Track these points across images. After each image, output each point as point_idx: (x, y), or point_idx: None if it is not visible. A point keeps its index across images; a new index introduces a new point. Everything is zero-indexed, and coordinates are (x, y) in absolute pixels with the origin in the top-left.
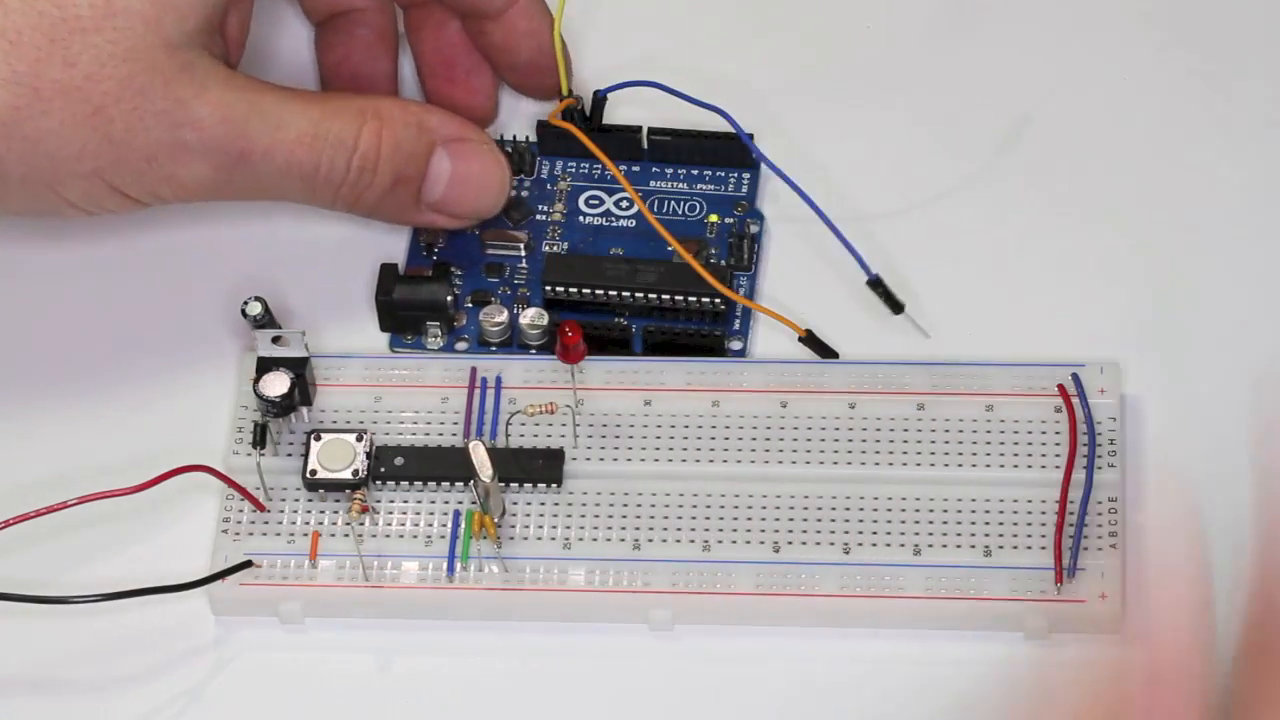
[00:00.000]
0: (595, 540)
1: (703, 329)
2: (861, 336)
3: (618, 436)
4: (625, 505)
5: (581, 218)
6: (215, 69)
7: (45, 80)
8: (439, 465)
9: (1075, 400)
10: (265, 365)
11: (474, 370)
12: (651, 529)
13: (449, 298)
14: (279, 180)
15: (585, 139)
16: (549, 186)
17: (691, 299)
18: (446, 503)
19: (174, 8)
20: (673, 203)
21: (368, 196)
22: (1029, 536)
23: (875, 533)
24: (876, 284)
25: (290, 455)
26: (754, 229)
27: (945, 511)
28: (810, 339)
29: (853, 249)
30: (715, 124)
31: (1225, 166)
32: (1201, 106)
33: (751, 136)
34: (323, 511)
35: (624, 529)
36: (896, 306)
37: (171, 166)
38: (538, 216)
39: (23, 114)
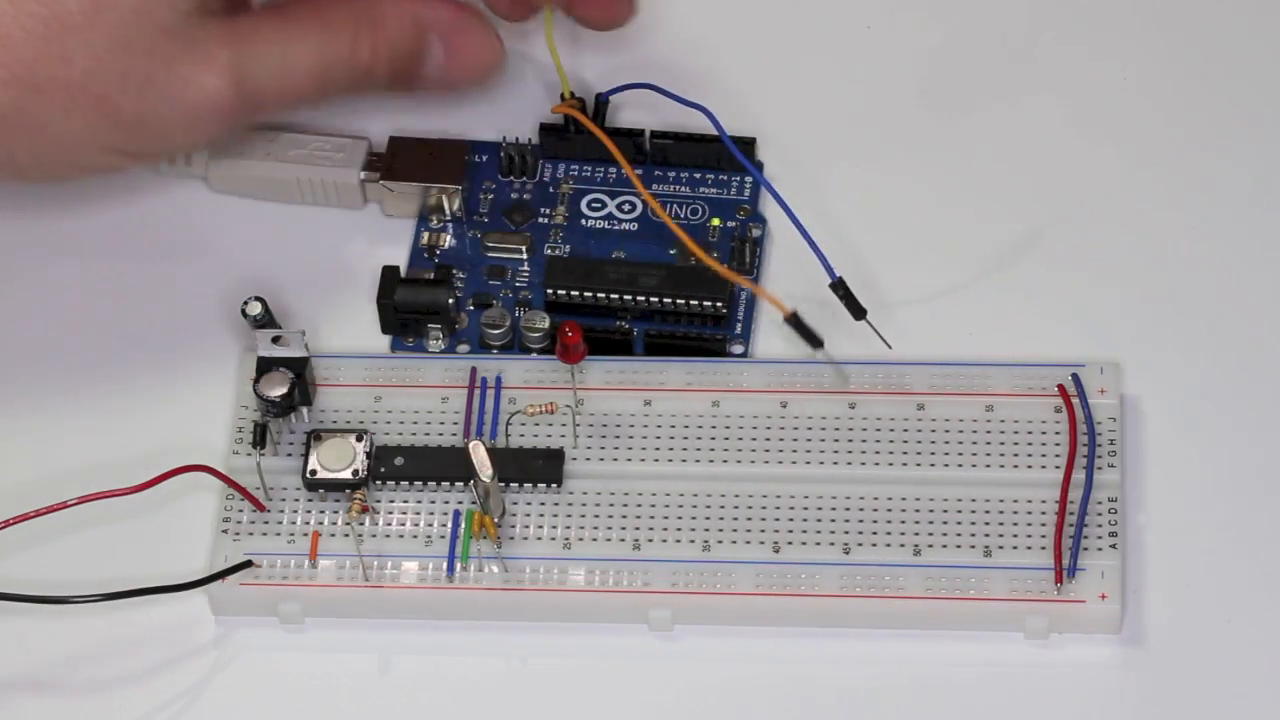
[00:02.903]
0: (595, 540)
1: (704, 332)
2: (862, 338)
3: (618, 437)
4: (625, 505)
5: (584, 221)
6: (219, 32)
7: (44, 78)
8: (439, 465)
9: (1075, 400)
10: (265, 365)
11: (474, 370)
12: (651, 529)
13: (450, 300)
14: (287, 109)
15: (591, 124)
16: (551, 189)
17: (693, 302)
18: (446, 503)
19: None
20: (675, 206)
21: (367, 90)
22: (1029, 536)
23: (875, 533)
24: (839, 286)
25: (290, 455)
26: (756, 233)
27: (945, 511)
28: (795, 320)
29: (818, 251)
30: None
31: (1226, 166)
32: (1202, 106)
33: (753, 141)
34: (323, 511)
35: (624, 529)
36: (858, 311)
37: (189, 135)
38: (539, 219)
39: (26, 110)
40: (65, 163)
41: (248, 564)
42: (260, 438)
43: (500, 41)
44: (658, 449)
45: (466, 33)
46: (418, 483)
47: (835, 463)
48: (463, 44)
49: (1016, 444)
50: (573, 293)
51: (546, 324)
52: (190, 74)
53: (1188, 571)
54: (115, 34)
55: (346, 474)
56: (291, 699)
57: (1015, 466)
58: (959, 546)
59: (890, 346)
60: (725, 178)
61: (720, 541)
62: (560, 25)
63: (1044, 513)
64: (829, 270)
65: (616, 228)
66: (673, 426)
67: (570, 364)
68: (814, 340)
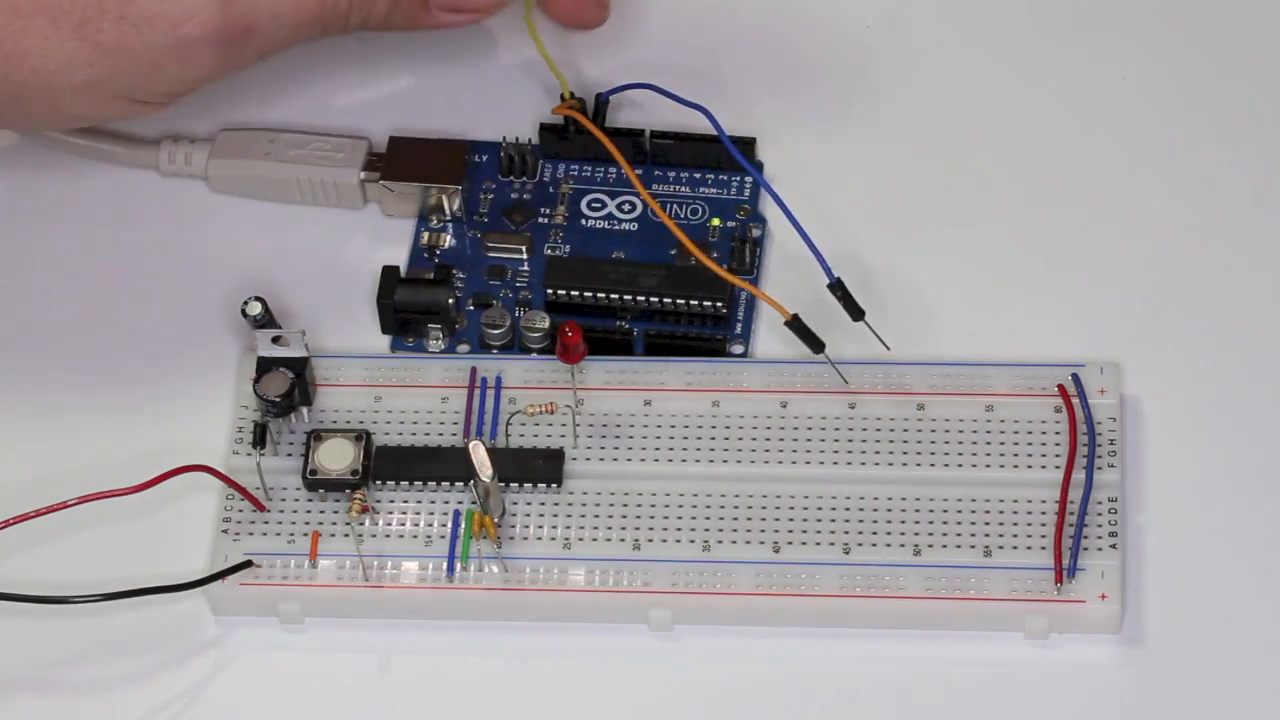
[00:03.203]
0: (595, 540)
1: (704, 332)
2: (862, 338)
3: (618, 436)
4: (625, 505)
5: (584, 221)
6: None
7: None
8: (439, 465)
9: (1075, 400)
10: (265, 365)
11: (474, 370)
12: (651, 529)
13: (450, 300)
14: (288, 37)
15: (591, 125)
16: (551, 189)
17: (694, 302)
18: (446, 503)
19: None
20: (675, 206)
21: (374, 15)
22: (1029, 536)
23: (875, 533)
24: (837, 287)
25: (290, 455)
26: (756, 233)
27: (945, 511)
28: (796, 324)
29: (817, 251)
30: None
31: (1226, 166)
32: (1202, 106)
33: (753, 141)
34: (323, 511)
35: (624, 529)
36: (857, 312)
37: (178, 67)
38: (539, 219)
39: (2, 35)
40: (47, 98)
41: (248, 564)
42: (260, 438)
43: None
44: (658, 449)
45: None
46: (418, 483)
47: (835, 463)
48: None
49: (1016, 444)
50: (573, 293)
51: (546, 324)
52: None
53: (1188, 571)
54: None
55: (346, 474)
56: (291, 699)
57: (1015, 466)
58: (959, 546)
59: (889, 348)
60: (725, 178)
61: (720, 541)
62: (559, 25)
63: (1044, 513)
64: (827, 271)
65: (616, 228)
66: (673, 426)
67: (570, 364)
68: (816, 343)
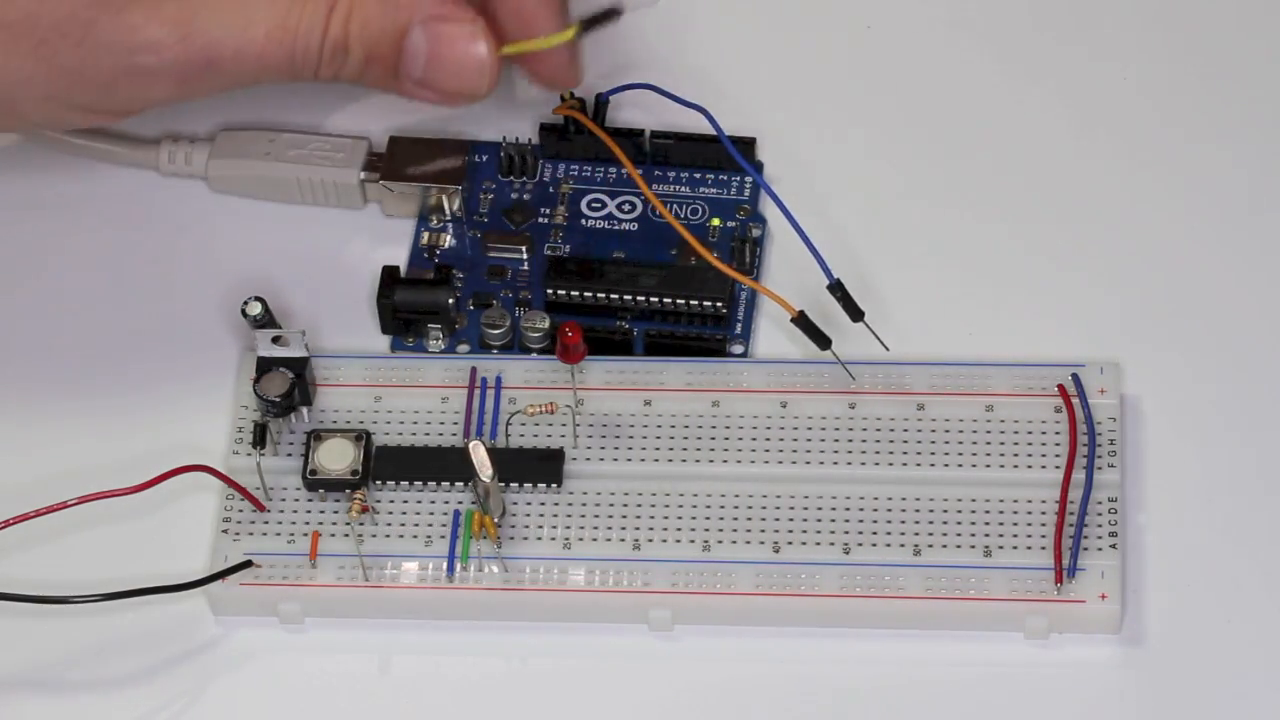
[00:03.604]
0: (595, 540)
1: (704, 332)
2: (861, 338)
3: (618, 436)
4: (625, 505)
5: (584, 221)
6: None
7: None
8: (439, 465)
9: (1075, 400)
10: (265, 365)
11: (474, 370)
12: (651, 529)
13: (450, 300)
14: (253, 76)
15: (593, 125)
16: (551, 189)
17: (693, 302)
18: (446, 503)
19: None
20: (675, 206)
21: (345, 74)
22: (1029, 536)
23: (875, 533)
24: (837, 288)
25: (290, 455)
26: (756, 233)
27: (945, 511)
28: (803, 320)
29: (816, 252)
30: (722, 127)
31: (1226, 166)
32: (1202, 106)
33: (753, 141)
34: (323, 511)
35: (624, 529)
36: (856, 313)
37: (133, 89)
38: (539, 219)
39: None
40: (8, 111)
41: (248, 564)
42: (260, 438)
43: (492, 55)
44: (658, 449)
45: (456, 36)
46: (418, 483)
47: (835, 463)
48: (450, 44)
49: (1016, 444)
50: (573, 293)
51: (546, 324)
52: (136, 20)
53: (1188, 571)
54: None
55: (346, 474)
56: (291, 699)
57: (1015, 466)
58: (959, 546)
59: (888, 349)
60: (725, 178)
61: (720, 541)
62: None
63: (1044, 513)
64: (826, 272)
65: (616, 228)
66: (673, 426)
67: (570, 364)
68: (822, 340)
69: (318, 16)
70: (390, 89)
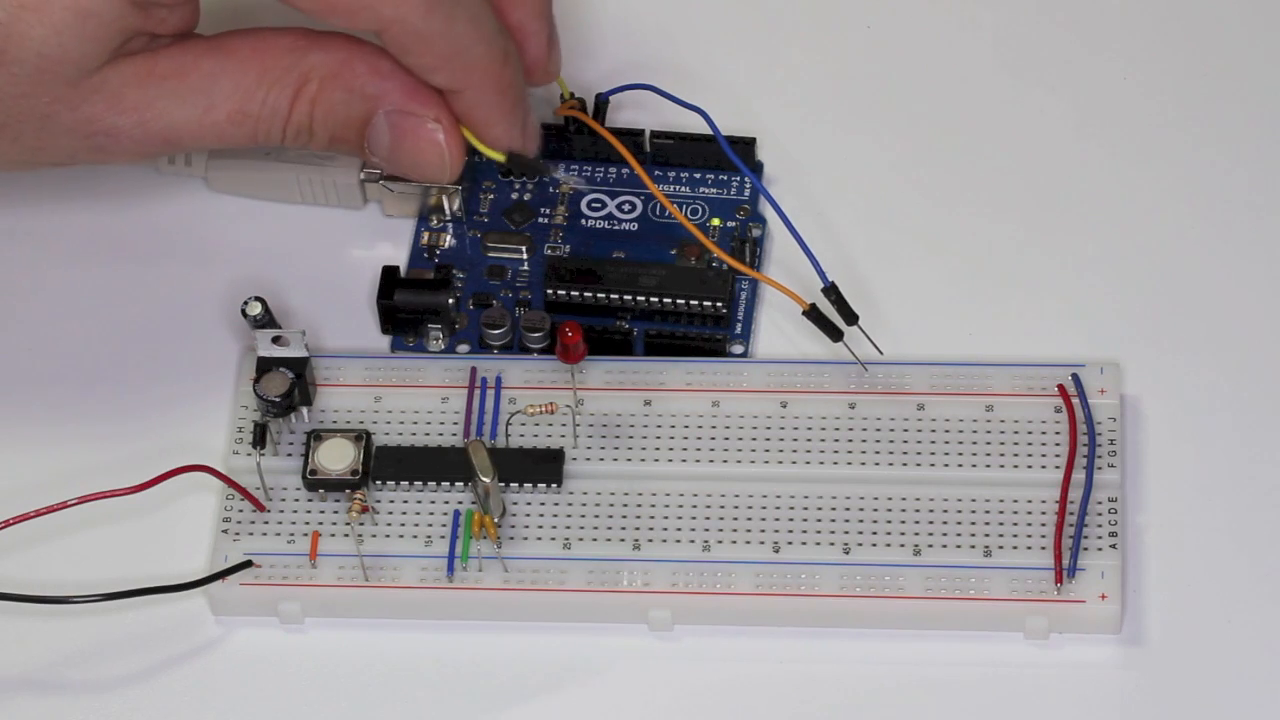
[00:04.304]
0: (595, 540)
1: (704, 332)
2: (859, 339)
3: (618, 436)
4: (625, 505)
5: (584, 221)
6: (132, 70)
7: None
8: (439, 465)
9: (1075, 400)
10: (265, 365)
11: (474, 370)
12: (651, 529)
13: (450, 301)
14: (215, 146)
15: (597, 125)
16: (551, 189)
17: (693, 302)
18: (446, 503)
19: (71, 59)
20: (675, 206)
21: (313, 148)
22: (1029, 536)
23: (875, 533)
24: (831, 291)
25: (290, 455)
26: (756, 233)
27: (945, 511)
28: (814, 313)
29: (811, 255)
30: (722, 127)
31: (1226, 166)
32: (1202, 106)
33: (753, 141)
34: (323, 511)
35: (624, 529)
36: (850, 317)
37: (93, 160)
38: (539, 219)
39: None
40: None
41: (248, 564)
42: (260, 438)
43: (452, 145)
44: (658, 449)
45: (418, 128)
46: (418, 483)
47: (835, 463)
48: (412, 136)
49: (1016, 444)
50: (573, 293)
51: (546, 324)
52: (94, 112)
53: (1188, 571)
54: (20, 82)
55: (346, 474)
56: (291, 699)
57: (1015, 466)
58: (959, 546)
59: (881, 352)
60: (725, 178)
61: (720, 541)
62: (557, 25)
63: (1044, 513)
64: (821, 275)
65: (616, 228)
66: (673, 426)
67: (570, 364)
68: (834, 332)
69: (282, 102)
70: (355, 157)
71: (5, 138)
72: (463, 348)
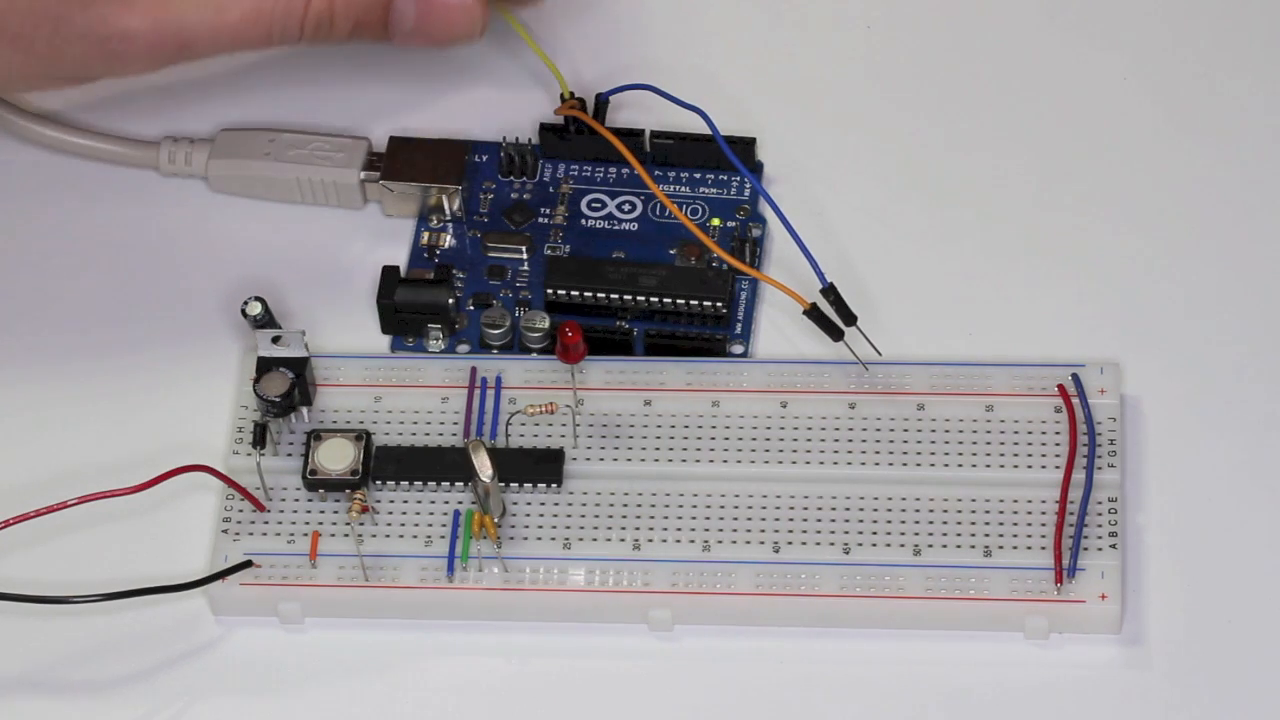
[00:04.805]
0: (595, 540)
1: (704, 332)
2: (858, 340)
3: (618, 436)
4: (625, 505)
5: (584, 221)
6: None
7: None
8: (439, 465)
9: (1075, 400)
10: (265, 365)
11: (474, 370)
12: (651, 529)
13: (450, 300)
14: (231, 47)
15: (597, 125)
16: (551, 189)
17: (693, 302)
18: (446, 503)
19: None
20: (675, 205)
21: (330, 40)
22: (1029, 536)
23: (875, 533)
24: (829, 293)
25: (290, 455)
26: (756, 233)
27: (945, 511)
28: (815, 312)
29: (810, 256)
30: (722, 127)
31: (1225, 166)
32: (1202, 106)
33: (753, 141)
34: (323, 511)
35: (624, 529)
36: (849, 318)
37: (108, 68)
38: (539, 219)
39: None
40: None
41: (248, 564)
42: (260, 438)
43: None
44: (658, 449)
45: None
46: (418, 483)
47: (835, 463)
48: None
49: (1016, 444)
50: (573, 293)
51: (546, 324)
52: (106, 13)
53: (1188, 571)
54: None
55: (346, 474)
56: (291, 699)
57: (1015, 466)
58: (959, 546)
59: (880, 353)
60: (725, 178)
61: (720, 541)
62: (557, 25)
63: (1044, 513)
64: (820, 276)
65: (616, 228)
66: (673, 426)
67: (570, 364)
68: (835, 331)
69: None
70: (379, 41)
71: (18, 49)
72: (463, 348)
